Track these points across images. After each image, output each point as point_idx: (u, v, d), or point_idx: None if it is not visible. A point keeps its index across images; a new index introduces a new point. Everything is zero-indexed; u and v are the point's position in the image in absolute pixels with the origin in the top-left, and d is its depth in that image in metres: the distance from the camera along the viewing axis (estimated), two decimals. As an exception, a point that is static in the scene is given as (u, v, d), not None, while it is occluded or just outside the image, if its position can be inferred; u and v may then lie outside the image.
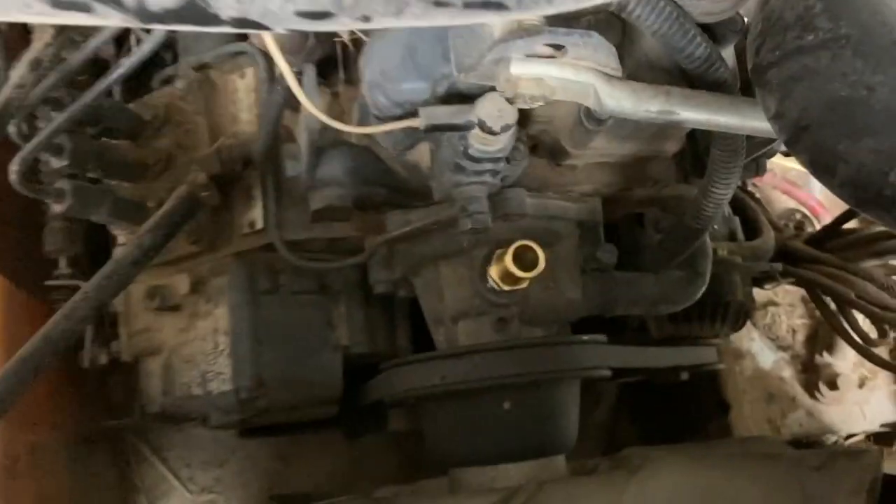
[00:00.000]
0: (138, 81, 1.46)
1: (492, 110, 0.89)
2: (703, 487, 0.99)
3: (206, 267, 1.36)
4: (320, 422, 1.52)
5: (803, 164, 0.69)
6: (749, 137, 1.10)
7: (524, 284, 1.12)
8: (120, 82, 1.46)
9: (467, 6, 0.58)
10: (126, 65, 1.17)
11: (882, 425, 2.07)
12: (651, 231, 1.30)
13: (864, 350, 1.57)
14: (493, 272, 1.12)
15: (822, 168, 0.67)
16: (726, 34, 0.96)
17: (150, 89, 1.43)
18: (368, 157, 1.13)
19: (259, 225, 1.29)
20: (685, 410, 2.04)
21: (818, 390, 2.01)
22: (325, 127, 1.17)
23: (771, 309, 2.06)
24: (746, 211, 1.68)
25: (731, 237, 1.61)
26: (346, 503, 1.14)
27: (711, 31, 0.94)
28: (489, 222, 1.02)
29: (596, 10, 0.87)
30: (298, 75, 1.06)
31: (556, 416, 1.16)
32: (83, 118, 1.25)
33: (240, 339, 1.31)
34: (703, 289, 1.29)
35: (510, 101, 0.81)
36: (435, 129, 0.91)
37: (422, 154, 1.07)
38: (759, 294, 1.97)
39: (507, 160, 1.06)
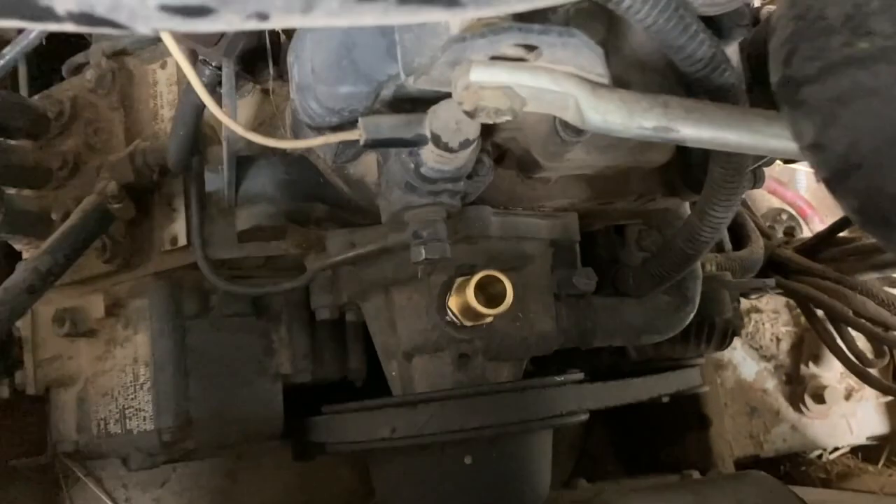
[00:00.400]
0: (49, 70, 1.27)
1: (448, 122, 0.72)
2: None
3: (124, 287, 1.18)
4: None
5: (848, 210, 0.53)
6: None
7: (488, 319, 0.95)
8: (28, 75, 1.27)
9: (403, 3, 0.41)
10: (9, 54, 0.98)
11: (869, 438, 1.95)
12: (633, 248, 1.14)
13: (860, 370, 1.43)
14: (453, 304, 0.95)
15: (876, 219, 0.51)
16: (732, 29, 0.79)
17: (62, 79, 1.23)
18: (304, 168, 0.95)
19: (182, 241, 1.11)
20: (663, 424, 1.91)
21: (803, 403, 1.89)
22: (254, 128, 0.99)
23: (754, 316, 1.93)
24: (734, 217, 1.53)
25: (719, 248, 1.46)
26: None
27: (714, 25, 0.78)
28: (447, 251, 0.85)
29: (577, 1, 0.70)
30: (217, 71, 0.87)
31: (525, 470, 1.00)
32: (-27, 115, 1.06)
33: (162, 370, 1.14)
34: (692, 315, 1.14)
35: (469, 114, 0.64)
36: (378, 146, 0.74)
37: (367, 167, 0.89)
38: (741, 301, 1.83)
39: (470, 176, 0.89)
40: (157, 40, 1.15)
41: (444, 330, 1.00)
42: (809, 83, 0.53)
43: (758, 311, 1.93)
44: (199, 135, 0.99)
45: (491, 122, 0.66)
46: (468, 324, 0.96)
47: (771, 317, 1.93)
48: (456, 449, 0.96)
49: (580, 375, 1.04)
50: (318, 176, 0.96)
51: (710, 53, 0.73)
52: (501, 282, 0.90)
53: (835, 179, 0.53)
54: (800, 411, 1.90)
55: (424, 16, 0.43)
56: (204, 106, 0.92)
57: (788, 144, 0.68)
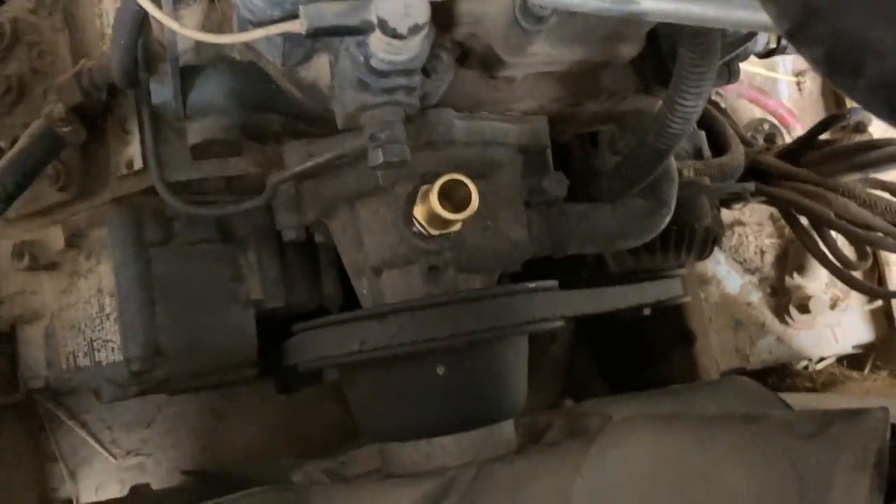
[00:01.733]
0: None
1: (395, 6, 0.68)
2: (675, 463, 0.82)
3: (83, 217, 1.14)
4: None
5: (813, 62, 0.50)
6: (723, 34, 0.90)
7: (456, 227, 0.92)
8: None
9: None
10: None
11: (854, 347, 1.96)
12: (606, 153, 1.11)
13: (844, 275, 1.41)
14: (419, 213, 0.92)
15: (842, 66, 0.47)
16: None
17: (2, 3, 1.18)
18: (255, 76, 0.90)
19: (138, 165, 1.06)
20: (647, 341, 1.90)
21: (788, 314, 1.89)
22: (202, 42, 0.94)
23: (738, 229, 1.91)
24: (713, 124, 1.49)
25: (697, 154, 1.43)
26: (258, 494, 0.96)
27: None
28: (407, 154, 0.81)
29: None
30: (157, -27, 0.82)
31: (500, 379, 0.98)
32: None
33: (127, 300, 1.10)
34: (668, 218, 1.11)
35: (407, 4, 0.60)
36: (321, 34, 0.69)
37: (319, 70, 0.85)
38: (725, 214, 1.81)
39: (426, 72, 0.85)
40: (99, -46, 1.09)
41: (412, 242, 0.97)
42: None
43: (741, 224, 1.91)
44: (147, 49, 0.94)
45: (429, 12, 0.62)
46: (435, 233, 0.93)
47: (755, 229, 1.91)
48: (427, 359, 0.93)
49: (554, 283, 1.02)
50: (270, 84, 0.91)
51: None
52: (466, 186, 0.86)
53: (797, 29, 0.49)
54: (785, 323, 1.89)
55: None
56: (145, 12, 0.87)
57: (754, 14, 0.65)
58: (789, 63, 2.01)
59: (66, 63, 1.11)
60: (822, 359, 1.97)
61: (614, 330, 1.92)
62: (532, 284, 0.97)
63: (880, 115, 0.48)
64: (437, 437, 0.97)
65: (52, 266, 1.17)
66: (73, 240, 1.16)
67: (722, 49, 0.92)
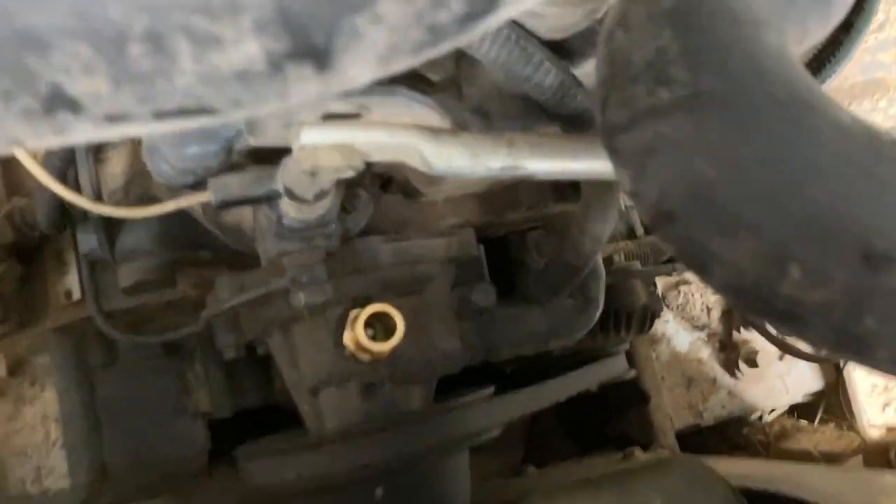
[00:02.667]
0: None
1: (300, 176, 0.71)
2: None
3: (24, 345, 1.16)
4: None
5: (670, 253, 0.53)
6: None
7: (384, 354, 0.95)
8: None
9: (159, 116, 0.40)
10: None
11: (805, 395, 2.00)
12: (534, 254, 1.14)
13: (777, 341, 1.45)
14: (348, 341, 0.94)
15: (695, 267, 0.51)
16: (583, 48, 0.78)
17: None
18: (181, 218, 0.92)
19: (76, 295, 1.08)
20: (606, 401, 1.93)
21: (738, 368, 1.92)
22: (129, 178, 0.97)
23: (683, 288, 1.95)
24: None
25: (630, 233, 1.47)
26: None
27: (564, 48, 0.77)
28: (329, 293, 0.85)
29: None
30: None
31: (440, 494, 1.00)
32: None
33: (72, 427, 1.12)
34: (598, 314, 1.14)
35: (312, 174, 0.63)
36: (231, 205, 0.72)
37: (241, 214, 0.88)
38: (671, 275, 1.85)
39: (347, 210, 0.88)
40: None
41: (346, 362, 0.99)
42: (621, 132, 0.53)
43: (686, 283, 1.95)
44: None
45: (334, 179, 0.65)
46: (366, 358, 0.95)
47: (700, 287, 1.96)
48: (366, 483, 0.96)
49: (490, 390, 1.04)
50: (197, 224, 0.94)
51: (557, 81, 0.73)
52: (390, 316, 0.89)
53: (653, 226, 0.53)
54: (735, 377, 1.93)
55: (190, 124, 0.42)
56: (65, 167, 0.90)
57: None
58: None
59: (0, 198, 1.13)
60: (773, 409, 2.01)
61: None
62: (468, 398, 1.00)
63: (736, 310, 0.52)
64: (380, 556, 0.99)
65: (-4, 393, 1.18)
66: (17, 367, 1.17)
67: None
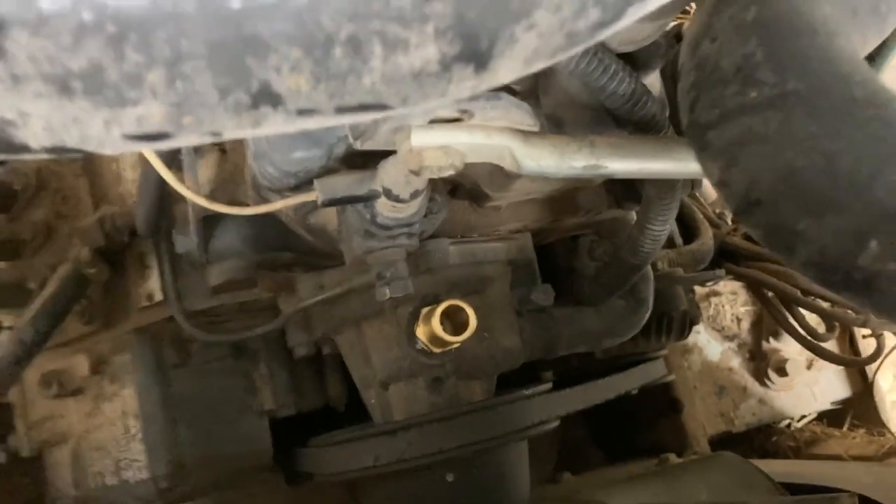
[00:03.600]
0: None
1: (397, 177, 0.78)
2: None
3: (106, 345, 1.23)
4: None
5: (757, 238, 0.60)
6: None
7: (456, 346, 1.01)
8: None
9: (340, 111, 0.47)
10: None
11: (833, 403, 2.05)
12: (586, 259, 1.20)
13: (812, 345, 1.51)
14: (421, 334, 1.01)
15: (779, 247, 0.58)
16: (650, 60, 0.86)
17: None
18: (269, 221, 1.00)
19: (158, 297, 1.15)
20: (638, 411, 1.98)
21: (768, 377, 1.98)
22: (217, 186, 1.05)
23: (713, 300, 2.01)
24: (682, 212, 1.60)
25: (670, 243, 1.53)
26: None
27: (633, 59, 0.84)
28: (410, 288, 0.91)
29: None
30: (177, 141, 0.92)
31: (505, 480, 1.07)
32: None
33: (151, 421, 1.19)
34: (647, 315, 1.21)
35: (415, 173, 0.70)
36: (334, 204, 0.79)
37: (327, 216, 0.95)
38: (700, 287, 1.91)
39: (425, 214, 0.95)
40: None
41: (415, 358, 1.06)
42: (711, 128, 0.60)
43: (717, 294, 2.01)
44: (164, 198, 1.04)
45: (436, 177, 0.72)
46: (437, 351, 1.02)
47: (730, 298, 2.02)
48: (437, 469, 1.02)
49: (548, 386, 1.11)
50: (282, 227, 1.01)
51: (630, 89, 0.80)
52: (464, 311, 0.96)
53: (741, 214, 0.59)
54: (765, 385, 1.99)
55: (361, 118, 0.49)
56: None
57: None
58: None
59: (86, 206, 1.20)
60: (803, 416, 2.06)
61: (606, 402, 2.01)
62: (528, 391, 1.07)
63: (815, 283, 0.58)
64: (449, 539, 1.05)
65: (77, 392, 1.25)
66: (97, 366, 1.23)
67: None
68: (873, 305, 0.55)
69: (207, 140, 0.49)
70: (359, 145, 0.76)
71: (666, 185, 0.90)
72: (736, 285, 2.02)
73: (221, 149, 1.06)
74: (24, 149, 0.49)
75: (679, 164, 0.76)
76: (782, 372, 1.95)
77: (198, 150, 1.00)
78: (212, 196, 1.05)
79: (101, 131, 0.47)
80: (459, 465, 1.02)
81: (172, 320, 1.16)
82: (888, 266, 0.52)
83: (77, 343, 1.23)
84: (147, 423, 1.18)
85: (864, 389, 2.00)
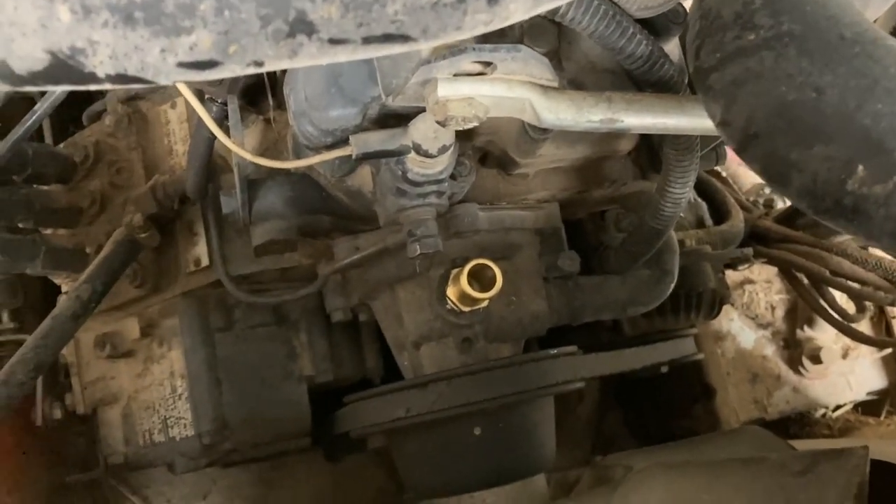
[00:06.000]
0: (71, 120, 1.40)
1: (426, 133, 0.83)
2: (685, 500, 0.94)
3: (155, 309, 1.30)
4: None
5: (756, 172, 0.64)
6: (704, 128, 1.05)
7: (484, 304, 1.06)
8: (50, 123, 1.40)
9: (367, 41, 0.53)
10: (39, 110, 1.10)
11: (869, 393, 2.04)
12: (613, 230, 1.25)
13: (844, 327, 1.53)
14: (451, 293, 1.06)
15: (775, 178, 0.62)
16: (668, 27, 0.90)
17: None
18: (308, 185, 1.06)
19: (204, 262, 1.23)
20: (671, 397, 2.01)
21: (802, 365, 1.98)
22: (260, 153, 1.11)
23: (748, 287, 2.02)
24: (713, 194, 1.63)
25: (699, 224, 1.56)
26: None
27: (652, 26, 0.89)
28: (440, 245, 0.96)
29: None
30: (223, 107, 0.99)
31: (531, 436, 1.11)
32: (8, 165, 1.18)
33: (197, 382, 1.25)
34: (672, 286, 1.24)
35: (441, 124, 0.76)
36: (368, 158, 0.85)
37: (363, 179, 1.01)
38: (734, 273, 1.93)
39: (453, 177, 1.01)
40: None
41: (446, 318, 1.11)
42: (713, 71, 0.64)
43: (751, 282, 2.03)
44: (211, 165, 1.11)
45: (461, 128, 0.78)
46: (466, 309, 1.07)
47: (764, 286, 2.03)
48: (465, 422, 1.07)
49: (574, 348, 1.15)
50: (321, 191, 1.07)
51: (647, 52, 0.84)
52: (491, 269, 1.01)
53: (740, 149, 0.64)
54: (799, 373, 1.99)
55: (385, 50, 0.54)
56: (215, 139, 1.04)
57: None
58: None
59: (139, 177, 1.28)
60: (838, 406, 2.05)
61: (639, 388, 2.03)
62: (554, 351, 1.11)
63: (809, 214, 0.62)
64: (477, 492, 1.09)
65: (128, 354, 1.33)
66: (147, 329, 1.31)
67: (707, 137, 1.07)
68: (862, 230, 0.59)
69: (251, 70, 0.55)
70: (391, 101, 0.82)
71: (685, 148, 0.94)
72: (770, 273, 2.03)
73: (266, 119, 1.13)
74: (92, 78, 0.55)
75: (693, 119, 0.81)
76: (816, 360, 1.96)
77: (244, 120, 1.07)
78: (258, 165, 1.12)
79: (158, 59, 0.54)
80: (486, 419, 1.07)
81: (218, 285, 1.23)
82: (874, 189, 0.56)
83: (129, 307, 1.31)
84: (193, 382, 1.25)
85: (901, 379, 1.99)
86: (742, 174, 2.08)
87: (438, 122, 0.76)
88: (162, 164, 1.28)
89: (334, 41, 0.53)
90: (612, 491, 1.02)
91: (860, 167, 0.56)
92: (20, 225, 1.22)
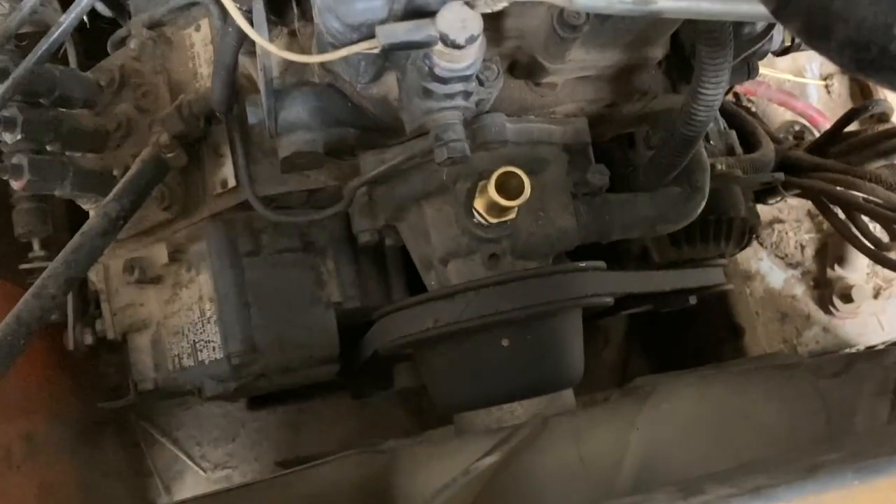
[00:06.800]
0: (96, 46, 1.40)
1: (453, 21, 0.82)
2: (717, 406, 0.93)
3: (183, 234, 1.31)
4: (327, 386, 1.47)
5: (795, 31, 0.62)
6: (736, 35, 1.03)
7: (512, 215, 1.05)
8: (75, 48, 1.40)
9: None
10: (64, 23, 1.10)
11: (901, 334, 2.02)
12: (642, 148, 1.23)
13: (878, 256, 1.50)
14: (479, 205, 1.05)
15: (817, 32, 0.60)
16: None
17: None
18: (334, 95, 1.05)
19: (231, 183, 1.23)
20: (698, 338, 1.99)
21: (832, 305, 1.96)
22: (285, 68, 1.11)
23: (777, 226, 2.00)
24: (743, 124, 1.61)
25: (730, 152, 1.54)
26: (351, 456, 1.09)
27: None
28: (467, 150, 0.95)
29: None
30: (248, 14, 0.98)
31: (559, 350, 1.10)
32: (36, 88, 1.19)
33: (226, 304, 1.26)
34: (703, 204, 1.22)
35: (470, 4, 0.74)
36: (394, 49, 0.84)
37: (388, 86, 1.00)
38: (764, 212, 1.91)
39: (480, 82, 0.99)
40: (190, 6, 1.27)
41: (473, 233, 1.10)
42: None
43: (780, 221, 2.00)
44: (236, 79, 1.10)
45: (490, 10, 0.76)
46: (494, 221, 1.06)
47: (794, 225, 2.01)
48: (493, 333, 1.06)
49: (602, 264, 1.14)
50: (347, 102, 1.06)
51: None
52: (519, 177, 1.00)
53: (780, 7, 0.62)
54: (830, 313, 1.97)
55: None
56: (241, 47, 1.04)
57: (754, 6, 0.78)
58: (817, 68, 2.12)
59: (164, 101, 1.28)
60: (869, 347, 2.03)
61: (666, 327, 2.02)
62: (583, 264, 1.10)
63: (850, 70, 0.60)
64: (506, 404, 1.09)
65: (157, 279, 1.33)
66: (175, 255, 1.32)
67: (739, 47, 1.05)
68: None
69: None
70: (418, -13, 0.80)
71: (717, 42, 0.91)
72: (800, 212, 2.01)
73: (290, 31, 1.11)
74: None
75: (728, 3, 0.79)
76: (847, 299, 1.94)
77: (269, 33, 1.06)
78: (281, 77, 1.12)
79: None
80: (515, 330, 1.06)
81: (245, 208, 1.23)
82: (924, 33, 0.54)
83: (156, 232, 1.31)
84: (222, 304, 1.25)
85: (934, 319, 1.97)
86: (772, 112, 2.05)
87: (468, 3, 0.74)
88: (187, 87, 1.28)
89: None
90: (642, 400, 1.01)
91: (908, 11, 0.54)
92: (48, 148, 1.23)
